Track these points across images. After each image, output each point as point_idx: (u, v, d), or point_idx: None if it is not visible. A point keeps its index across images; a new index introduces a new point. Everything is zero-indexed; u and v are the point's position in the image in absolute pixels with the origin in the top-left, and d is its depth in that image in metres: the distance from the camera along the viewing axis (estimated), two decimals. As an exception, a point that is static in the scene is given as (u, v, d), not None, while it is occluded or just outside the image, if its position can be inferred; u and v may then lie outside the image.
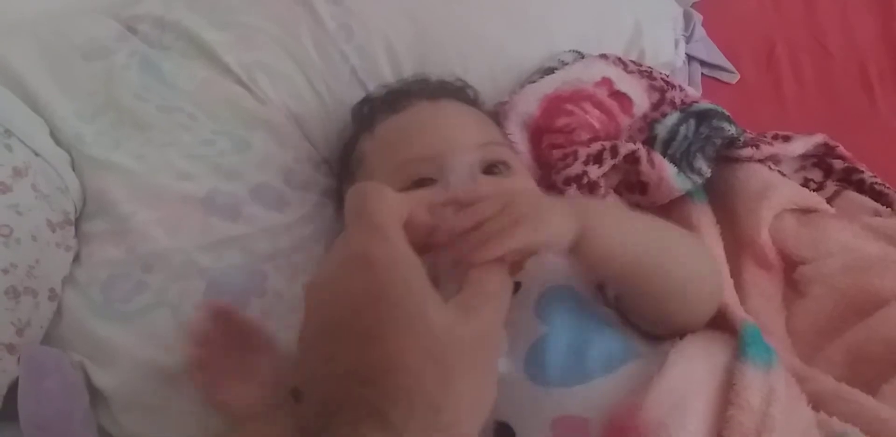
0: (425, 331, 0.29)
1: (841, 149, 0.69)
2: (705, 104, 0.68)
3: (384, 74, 0.70)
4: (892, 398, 0.50)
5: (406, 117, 0.59)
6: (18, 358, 0.51)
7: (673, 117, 0.68)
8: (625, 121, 0.68)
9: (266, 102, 0.67)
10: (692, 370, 0.44)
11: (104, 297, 0.56)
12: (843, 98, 0.88)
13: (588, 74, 0.69)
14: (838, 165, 0.68)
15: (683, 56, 0.86)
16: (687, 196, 0.66)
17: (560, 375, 0.45)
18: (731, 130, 0.66)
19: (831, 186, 0.68)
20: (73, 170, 0.61)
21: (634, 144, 0.64)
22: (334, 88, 0.69)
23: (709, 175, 0.66)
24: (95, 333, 0.54)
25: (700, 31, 0.90)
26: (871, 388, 0.51)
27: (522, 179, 0.57)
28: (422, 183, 0.53)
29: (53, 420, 0.51)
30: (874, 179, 0.66)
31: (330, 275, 0.32)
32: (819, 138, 0.70)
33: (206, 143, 0.63)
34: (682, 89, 0.71)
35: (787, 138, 0.67)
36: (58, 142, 0.62)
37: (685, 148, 0.65)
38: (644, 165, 0.62)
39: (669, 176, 0.63)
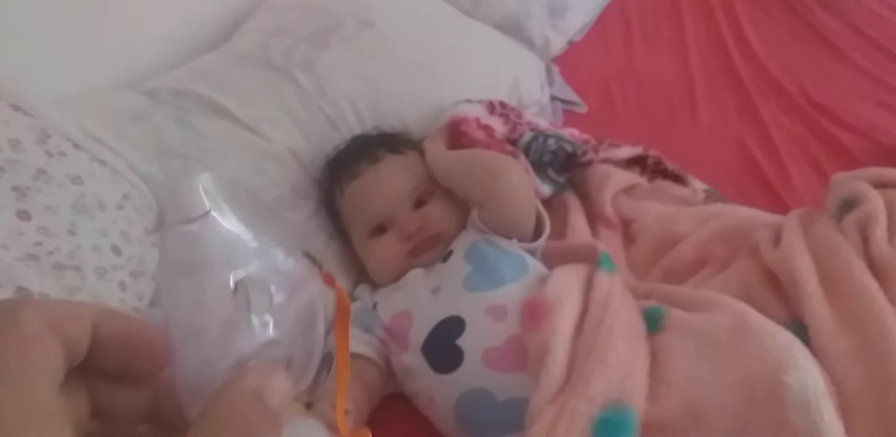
0: None
1: (653, 151, 1.06)
2: (552, 130, 1.02)
3: (349, 118, 1.00)
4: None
5: (359, 184, 0.88)
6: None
7: (527, 136, 0.99)
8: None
9: (271, 141, 0.94)
10: (568, 275, 0.75)
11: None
12: (661, 118, 1.21)
13: (466, 112, 1.01)
14: (651, 161, 1.05)
15: (548, 96, 1.19)
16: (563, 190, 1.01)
17: (486, 285, 0.75)
18: (570, 148, 0.98)
19: (646, 178, 1.03)
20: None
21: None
22: (315, 130, 0.98)
23: (562, 181, 0.99)
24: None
25: (558, 78, 1.24)
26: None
27: (440, 198, 0.88)
28: (382, 228, 0.87)
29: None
30: (672, 167, 1.02)
31: None
32: (639, 150, 1.06)
33: (236, 170, 0.91)
34: (531, 124, 1.04)
35: (616, 145, 1.03)
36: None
37: (538, 158, 0.97)
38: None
39: (540, 188, 0.95)
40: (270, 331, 0.26)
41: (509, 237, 0.81)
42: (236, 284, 0.26)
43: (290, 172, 0.95)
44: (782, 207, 1.01)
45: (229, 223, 0.27)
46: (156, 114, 0.95)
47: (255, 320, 0.26)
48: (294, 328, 0.27)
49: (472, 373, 0.69)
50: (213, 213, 0.27)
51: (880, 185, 0.76)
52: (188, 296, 0.26)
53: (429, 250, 0.84)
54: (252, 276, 0.27)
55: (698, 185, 1.02)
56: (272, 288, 0.27)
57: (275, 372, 0.24)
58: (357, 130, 1.01)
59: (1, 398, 0.21)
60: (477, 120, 0.98)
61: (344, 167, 0.92)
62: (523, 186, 0.84)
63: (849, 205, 0.74)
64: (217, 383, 0.24)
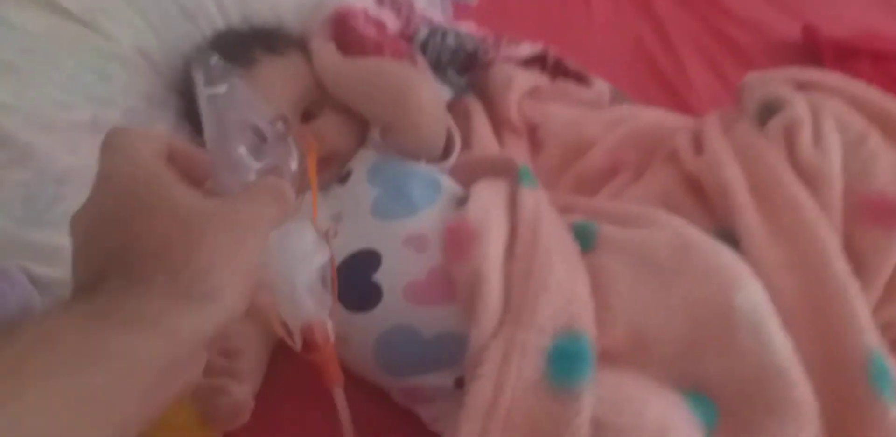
0: (170, 208, 0.34)
1: (552, 49, 0.98)
2: (449, 26, 0.91)
3: (209, 9, 0.82)
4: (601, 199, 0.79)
5: None
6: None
7: (423, 33, 0.88)
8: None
9: (112, 39, 0.77)
10: (488, 194, 0.66)
11: (25, 210, 0.65)
12: (555, 12, 1.14)
13: (353, 3, 0.86)
14: (551, 59, 0.97)
15: (435, -16, 1.07)
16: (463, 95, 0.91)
17: (399, 210, 0.66)
18: (470, 46, 0.89)
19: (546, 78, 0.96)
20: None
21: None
22: (167, 23, 0.80)
23: (463, 83, 0.90)
24: (28, 238, 0.64)
25: (443, -37, 1.11)
26: (592, 196, 0.80)
27: (333, 109, 0.75)
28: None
29: (17, 314, 0.61)
30: (574, 66, 0.96)
31: (85, 203, 0.36)
32: (539, 47, 0.98)
33: (73, 77, 0.73)
34: (425, 18, 0.92)
35: (515, 42, 0.94)
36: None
37: (437, 58, 0.87)
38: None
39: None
40: (266, 156, 0.42)
41: (417, 159, 0.72)
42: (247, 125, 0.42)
43: (140, 77, 0.79)
44: (682, 105, 0.99)
45: (236, 91, 0.42)
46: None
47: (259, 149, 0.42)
48: (282, 153, 0.43)
49: (394, 309, 0.62)
50: (226, 86, 0.41)
51: (799, 86, 0.73)
52: (220, 139, 0.40)
53: (323, 170, 0.73)
54: (254, 124, 0.42)
55: (601, 85, 0.96)
56: (272, 130, 0.43)
57: (285, 180, 0.40)
58: (220, 24, 0.84)
59: (129, 158, 0.35)
60: (365, 13, 0.84)
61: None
62: (435, 106, 0.73)
63: (771, 109, 0.71)
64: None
